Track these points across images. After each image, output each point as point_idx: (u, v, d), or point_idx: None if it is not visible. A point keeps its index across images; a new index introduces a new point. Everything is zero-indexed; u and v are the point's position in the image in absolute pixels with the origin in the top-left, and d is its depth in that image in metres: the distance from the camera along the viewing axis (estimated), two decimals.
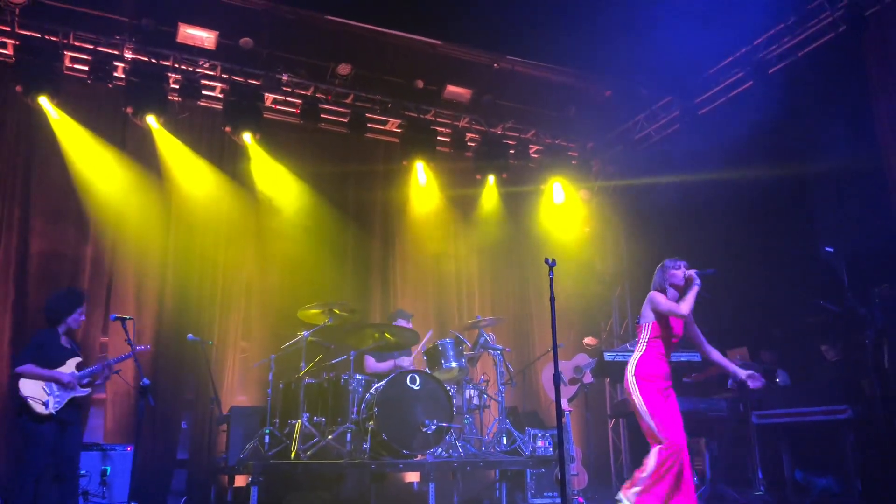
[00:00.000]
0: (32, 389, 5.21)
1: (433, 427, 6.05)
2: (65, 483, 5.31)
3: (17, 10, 6.76)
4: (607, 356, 6.55)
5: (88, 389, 5.46)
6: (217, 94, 7.95)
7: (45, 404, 5.19)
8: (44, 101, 7.00)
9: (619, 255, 9.74)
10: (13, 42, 7.02)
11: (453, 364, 6.68)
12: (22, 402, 5.19)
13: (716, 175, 7.67)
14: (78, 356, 5.50)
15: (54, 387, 5.26)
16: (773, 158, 7.18)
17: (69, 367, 5.39)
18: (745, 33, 7.55)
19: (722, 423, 6.55)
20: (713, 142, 7.90)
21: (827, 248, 6.06)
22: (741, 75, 7.83)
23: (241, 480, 6.30)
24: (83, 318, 5.59)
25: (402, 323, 7.05)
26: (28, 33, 7.01)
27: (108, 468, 6.16)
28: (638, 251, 9.31)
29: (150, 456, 6.87)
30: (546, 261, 4.58)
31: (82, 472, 5.86)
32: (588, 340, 8.91)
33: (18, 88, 6.91)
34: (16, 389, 5.22)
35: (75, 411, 5.42)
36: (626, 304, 9.58)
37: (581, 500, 6.72)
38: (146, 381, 5.12)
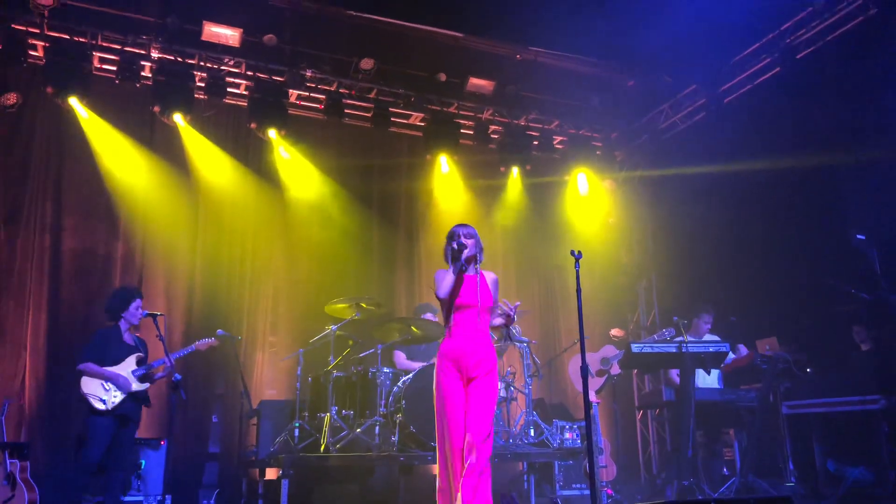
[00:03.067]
0: (92, 387, 5.35)
1: None
2: (108, 473, 5.42)
3: (45, 12, 6.88)
4: (634, 348, 6.49)
5: (147, 385, 5.56)
6: (242, 91, 8.03)
7: (104, 401, 5.32)
8: (73, 102, 7.13)
9: (644, 246, 9.66)
10: (43, 44, 7.15)
11: None
12: (84, 400, 5.33)
13: (742, 164, 7.55)
14: (139, 352, 5.62)
15: (112, 384, 5.39)
16: (802, 146, 7.04)
17: (129, 363, 5.51)
18: (772, 18, 7.40)
19: (751, 413, 6.48)
20: (739, 130, 7.80)
21: (858, 236, 5.94)
22: (768, 61, 7.69)
23: (271, 473, 6.37)
24: (140, 311, 5.63)
25: (429, 317, 7.06)
26: (57, 35, 7.13)
27: (143, 462, 6.28)
28: (664, 242, 9.24)
29: (183, 450, 7.01)
30: (572, 252, 4.55)
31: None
32: (615, 332, 8.85)
33: (49, 90, 7.03)
34: (77, 386, 5.36)
35: (136, 407, 5.53)
36: (653, 296, 9.51)
37: (610, 491, 6.70)
38: (178, 376, 5.24)
